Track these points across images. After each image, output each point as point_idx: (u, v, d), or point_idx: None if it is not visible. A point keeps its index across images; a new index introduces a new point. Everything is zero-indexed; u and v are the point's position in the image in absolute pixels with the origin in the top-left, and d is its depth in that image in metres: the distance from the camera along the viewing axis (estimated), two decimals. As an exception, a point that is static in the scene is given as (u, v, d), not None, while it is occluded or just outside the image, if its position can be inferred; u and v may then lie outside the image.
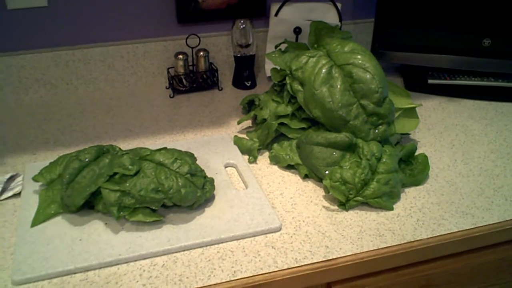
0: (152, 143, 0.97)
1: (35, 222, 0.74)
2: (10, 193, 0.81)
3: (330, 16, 1.19)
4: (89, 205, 0.76)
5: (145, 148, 0.79)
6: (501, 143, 1.00)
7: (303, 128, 0.91)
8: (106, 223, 0.74)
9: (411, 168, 0.88)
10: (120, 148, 0.81)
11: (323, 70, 0.86)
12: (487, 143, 1.00)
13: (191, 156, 0.80)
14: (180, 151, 0.79)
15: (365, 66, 0.85)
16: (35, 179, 0.80)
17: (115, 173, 0.74)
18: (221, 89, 1.20)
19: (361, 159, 0.81)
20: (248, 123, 1.04)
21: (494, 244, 0.83)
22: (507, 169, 0.92)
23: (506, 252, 0.86)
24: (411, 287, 0.82)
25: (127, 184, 0.72)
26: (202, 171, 0.78)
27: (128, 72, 1.18)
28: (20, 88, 1.12)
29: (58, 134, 1.00)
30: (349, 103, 0.84)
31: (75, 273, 0.67)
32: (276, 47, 1.00)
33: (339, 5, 1.19)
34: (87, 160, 0.76)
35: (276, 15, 1.17)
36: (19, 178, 0.85)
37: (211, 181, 0.79)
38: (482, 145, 0.99)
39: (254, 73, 1.22)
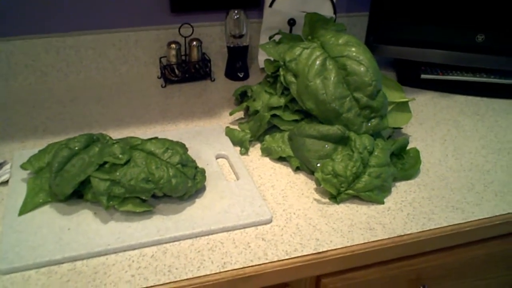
0: (143, 133, 0.96)
1: (23, 211, 0.73)
2: (-3, 181, 0.80)
3: (324, 8, 1.18)
4: (78, 194, 0.75)
5: (136, 137, 0.78)
6: (492, 138, 1.00)
7: (295, 120, 0.91)
8: (95, 213, 0.74)
9: (403, 162, 0.88)
10: (110, 137, 0.80)
11: (317, 62, 0.86)
12: (478, 139, 1.00)
13: (183, 146, 0.79)
14: (171, 141, 0.78)
15: (359, 58, 0.84)
16: (23, 167, 0.79)
17: (105, 162, 0.73)
18: (214, 79, 1.19)
19: (353, 152, 0.81)
20: (240, 114, 1.04)
21: (484, 239, 0.84)
22: (498, 165, 0.92)
23: (495, 247, 0.87)
24: (400, 280, 0.83)
25: (117, 174, 0.71)
26: (193, 161, 0.77)
27: (119, 61, 1.17)
28: (9, 74, 1.10)
29: (48, 122, 0.99)
30: (342, 95, 0.84)
31: (62, 262, 0.66)
32: (270, 38, 0.99)
33: (333, -3, 1.18)
34: (76, 148, 0.74)
35: (270, 6, 1.16)
36: (7, 166, 0.83)
37: (202, 171, 0.79)
38: (473, 140, 1.00)
39: (247, 64, 1.21)
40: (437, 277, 0.86)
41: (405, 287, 0.84)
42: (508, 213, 0.80)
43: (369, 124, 0.85)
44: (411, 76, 1.23)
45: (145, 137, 0.90)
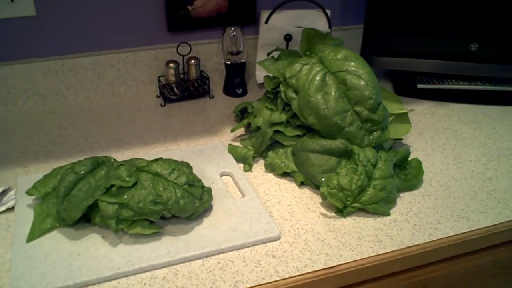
0: (145, 153, 0.96)
1: (31, 237, 0.73)
2: (3, 208, 0.79)
3: (319, 22, 1.20)
4: (85, 218, 0.75)
5: (141, 158, 0.78)
6: (491, 146, 1.02)
7: (298, 136, 0.91)
8: (103, 236, 0.73)
9: (405, 173, 0.89)
10: (115, 159, 0.80)
11: (317, 78, 0.87)
12: (477, 146, 1.01)
13: (188, 166, 0.79)
14: (176, 161, 0.78)
15: (358, 73, 0.85)
16: (29, 193, 0.78)
17: (112, 185, 0.73)
18: (212, 97, 1.20)
19: (357, 165, 0.81)
20: (241, 131, 1.04)
21: (489, 247, 0.84)
22: (499, 172, 0.93)
23: (501, 254, 0.88)
24: (409, 291, 0.83)
25: (125, 196, 0.71)
26: (200, 181, 0.77)
27: (118, 81, 1.17)
28: (8, 98, 1.10)
29: (49, 146, 0.99)
30: (343, 110, 0.85)
31: (74, 288, 0.66)
32: (268, 54, 1.00)
33: (328, 11, 1.19)
34: (82, 172, 0.74)
35: (266, 22, 1.18)
36: (12, 192, 0.83)
37: (209, 191, 0.79)
38: (472, 148, 1.01)
39: (245, 80, 1.22)
40: (444, 286, 0.86)
41: (414, 298, 0.85)
42: (512, 220, 0.81)
43: (371, 137, 0.86)
44: (407, 87, 1.24)
45: (149, 157, 0.90)
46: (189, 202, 0.73)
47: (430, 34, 1.18)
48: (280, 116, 0.92)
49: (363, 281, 0.76)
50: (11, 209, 0.80)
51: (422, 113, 1.15)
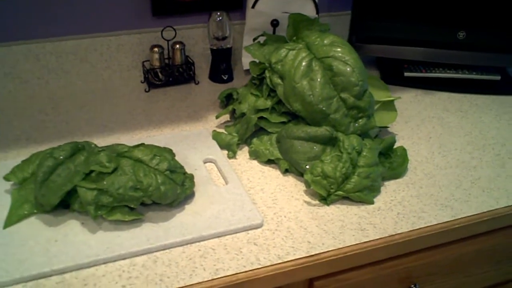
0: (128, 139, 0.95)
1: (8, 223, 0.71)
2: (-20, 193, 0.78)
3: (307, 8, 1.18)
4: (64, 205, 0.74)
5: (122, 144, 0.77)
6: (477, 135, 1.01)
7: (283, 122, 0.90)
8: (82, 223, 0.72)
9: (390, 161, 0.88)
10: (96, 145, 0.78)
11: (303, 63, 0.85)
12: (463, 135, 1.01)
13: (170, 152, 0.78)
14: (158, 147, 0.77)
15: (345, 59, 0.84)
16: (6, 178, 0.77)
17: (92, 171, 0.71)
18: (198, 82, 1.18)
19: (341, 153, 0.80)
20: (226, 117, 1.03)
21: (473, 236, 0.84)
22: (483, 161, 0.93)
23: (484, 243, 0.88)
24: (392, 280, 0.83)
25: (105, 182, 0.70)
26: (182, 167, 0.76)
27: (101, 66, 1.15)
28: (-13, 82, 1.08)
29: (30, 131, 0.97)
30: (329, 96, 0.84)
31: (51, 275, 0.65)
32: (254, 40, 0.98)
33: (316, -3, 1.18)
34: (61, 157, 0.73)
35: (253, 7, 1.16)
36: (-11, 177, 0.81)
37: (191, 177, 0.78)
38: (458, 137, 1.00)
39: (231, 66, 1.20)
40: (427, 274, 0.86)
41: (397, 286, 0.85)
42: (495, 209, 0.81)
43: (357, 124, 0.85)
44: (394, 74, 1.23)
45: (131, 144, 0.88)
46: (170, 189, 0.72)
47: (418, 21, 1.17)
48: (265, 103, 0.91)
49: (346, 269, 0.76)
50: (-12, 194, 0.78)
51: (408, 101, 1.14)
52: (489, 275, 0.95)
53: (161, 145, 0.90)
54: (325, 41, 0.87)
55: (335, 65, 0.84)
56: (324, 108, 0.83)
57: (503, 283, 1.00)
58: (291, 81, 0.85)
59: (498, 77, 1.22)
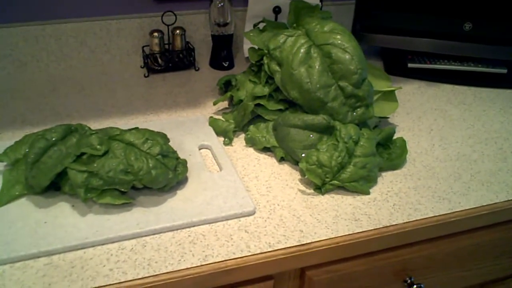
0: (124, 123, 0.94)
1: (-2, 204, 0.71)
2: (-28, 173, 0.77)
3: (310, -4, 1.16)
4: (55, 187, 0.73)
5: (115, 127, 0.76)
6: (479, 128, 0.99)
7: (280, 110, 0.89)
8: (73, 205, 0.71)
9: (389, 152, 0.87)
10: (89, 128, 0.77)
11: (302, 50, 0.84)
12: (465, 128, 0.99)
13: (163, 136, 0.77)
14: (152, 131, 0.76)
15: (344, 46, 0.82)
16: (-2, 158, 0.76)
17: (83, 153, 0.71)
18: (198, 69, 1.17)
19: (338, 142, 0.79)
20: (224, 104, 1.02)
21: (470, 230, 0.83)
22: (485, 155, 0.91)
23: (481, 238, 0.86)
24: (386, 272, 0.82)
25: (95, 165, 0.69)
26: (175, 152, 0.75)
27: (101, 50, 1.14)
28: (-14, 64, 1.07)
29: (27, 113, 0.96)
30: (327, 84, 0.82)
31: (39, 257, 0.64)
32: (254, 26, 0.97)
33: (320, -15, 1.16)
34: (53, 139, 0.72)
35: (255, -7, 1.14)
36: (-17, 158, 0.81)
37: (184, 162, 0.77)
38: (460, 130, 0.99)
39: (232, 53, 1.19)
40: (423, 268, 0.85)
41: (391, 279, 0.83)
42: (495, 203, 0.79)
43: (355, 113, 0.84)
44: (398, 65, 1.21)
45: (127, 128, 0.88)
46: (161, 173, 0.71)
47: (424, 11, 1.14)
48: (262, 90, 0.90)
49: (339, 260, 0.75)
50: (-20, 175, 0.78)
51: (411, 92, 1.12)
52: (488, 270, 0.94)
53: (157, 130, 0.90)
54: (325, 28, 0.85)
55: (334, 52, 0.82)
56: (321, 96, 0.82)
57: (502, 278, 0.99)
58: (289, 68, 0.84)
59: (505, 71, 1.20)
